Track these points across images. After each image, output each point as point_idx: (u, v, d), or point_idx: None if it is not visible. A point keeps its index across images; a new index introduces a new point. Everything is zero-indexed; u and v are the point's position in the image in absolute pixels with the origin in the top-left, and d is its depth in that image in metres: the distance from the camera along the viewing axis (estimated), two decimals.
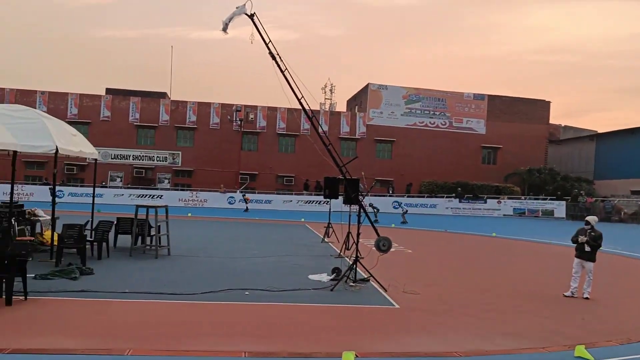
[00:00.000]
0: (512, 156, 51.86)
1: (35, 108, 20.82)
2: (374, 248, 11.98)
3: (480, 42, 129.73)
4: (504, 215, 43.20)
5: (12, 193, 12.54)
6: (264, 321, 8.31)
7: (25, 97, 45.25)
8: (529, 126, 52.65)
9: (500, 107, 52.67)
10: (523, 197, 46.58)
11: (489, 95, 52.90)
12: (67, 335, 7.05)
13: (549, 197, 45.64)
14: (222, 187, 43.53)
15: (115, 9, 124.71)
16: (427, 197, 45.81)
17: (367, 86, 51.77)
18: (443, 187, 48.10)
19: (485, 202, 44.12)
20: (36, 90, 47.64)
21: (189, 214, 31.65)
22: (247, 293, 10.03)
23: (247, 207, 38.45)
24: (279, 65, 11.44)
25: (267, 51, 11.47)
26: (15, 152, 11.60)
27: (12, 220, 12.50)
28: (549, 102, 54.16)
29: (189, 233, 20.34)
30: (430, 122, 51.53)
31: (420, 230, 27.29)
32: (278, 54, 11.49)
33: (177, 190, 44.48)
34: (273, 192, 45.81)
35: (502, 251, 20.00)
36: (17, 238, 12.70)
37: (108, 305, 8.79)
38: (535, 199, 46.10)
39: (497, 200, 44.56)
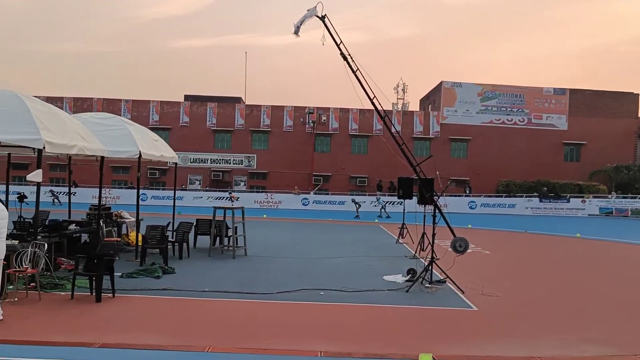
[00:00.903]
0: (597, 153, 49.10)
1: (120, 115, 21.95)
2: (450, 249, 11.71)
3: (560, 34, 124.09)
4: (589, 215, 41.02)
5: (100, 196, 13.27)
6: (338, 321, 8.32)
7: (111, 106, 47.85)
8: (615, 121, 49.71)
9: (583, 101, 50.07)
10: (610, 196, 44.03)
11: (571, 90, 50.44)
12: (151, 332, 7.37)
13: (639, 196, 42.92)
14: (296, 189, 44.10)
15: (191, 19, 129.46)
16: (505, 196, 44.30)
17: (440, 84, 50.80)
18: (521, 186, 46.34)
19: (568, 202, 42.10)
20: (121, 99, 50.28)
21: (264, 216, 32.29)
22: (321, 293, 10.08)
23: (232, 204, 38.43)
24: (350, 66, 11.44)
25: (339, 52, 11.50)
26: (102, 157, 12.26)
27: (101, 222, 13.21)
28: (637, 95, 50.91)
29: (264, 234, 20.74)
30: (507, 119, 49.83)
31: (498, 231, 26.43)
32: (349, 55, 11.49)
33: (253, 192, 45.51)
34: (346, 193, 45.88)
35: (586, 253, 18.99)
36: (105, 239, 13.42)
37: (189, 303, 9.11)
38: (624, 197, 43.46)
39: (582, 199, 42.39)
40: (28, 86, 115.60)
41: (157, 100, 50.56)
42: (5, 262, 7.91)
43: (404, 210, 18.86)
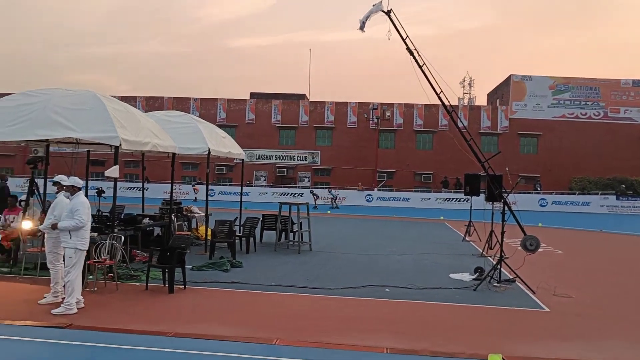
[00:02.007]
0: None
1: (190, 113, 22.65)
2: (519, 248, 11.37)
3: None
4: None
5: (172, 192, 13.78)
6: (404, 318, 8.27)
7: (181, 104, 49.47)
8: None
9: None
10: None
11: None
12: (220, 323, 7.58)
13: None
14: (360, 185, 44.03)
15: (257, 19, 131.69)
16: (579, 194, 42.43)
17: (509, 78, 49.24)
18: (596, 183, 44.20)
19: None
20: (190, 98, 51.89)
21: (329, 212, 32.46)
22: (387, 290, 10.04)
23: (195, 197, 37.88)
24: (416, 61, 11.30)
25: (405, 47, 11.38)
26: (174, 154, 12.71)
27: (172, 217, 13.70)
28: None
29: (329, 230, 20.86)
30: (581, 113, 47.66)
31: (571, 230, 25.38)
32: (415, 49, 11.36)
33: (317, 188, 45.84)
34: (411, 189, 45.39)
35: None
36: (177, 232, 13.91)
37: (256, 296, 9.30)
38: None
39: None
40: (105, 86, 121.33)
41: (224, 98, 51.81)
42: (86, 253, 8.35)
43: (470, 207, 18.46)
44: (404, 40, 11.40)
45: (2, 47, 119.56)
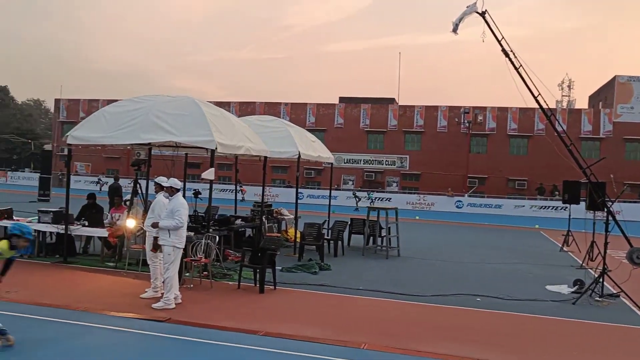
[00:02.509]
0: None
1: (280, 118, 23.19)
2: (624, 260, 10.61)
3: None
4: None
5: (263, 194, 14.16)
6: (496, 329, 7.97)
7: (271, 109, 50.78)
8: None
9: None
10: None
11: None
12: (309, 324, 7.68)
13: None
14: (449, 191, 43.02)
15: (346, 24, 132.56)
16: None
17: (613, 79, 46.21)
18: None
19: None
20: (280, 102, 53.13)
21: (417, 217, 31.96)
22: (478, 299, 9.73)
23: (243, 197, 37.27)
24: (512, 63, 10.88)
25: (500, 49, 10.99)
26: (265, 157, 13.05)
27: (263, 218, 14.07)
28: None
29: (417, 235, 20.54)
30: None
31: None
32: (512, 51, 10.94)
33: (405, 193, 45.32)
34: (503, 196, 43.72)
35: None
36: (267, 234, 14.26)
37: (344, 299, 9.34)
38: None
39: None
40: (202, 92, 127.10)
41: (314, 102, 52.57)
42: (183, 251, 8.77)
43: (569, 216, 17.50)
44: (499, 41, 11.01)
45: (111, 57, 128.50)
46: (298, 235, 14.23)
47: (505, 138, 47.86)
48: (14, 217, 12.28)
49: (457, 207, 40.70)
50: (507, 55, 10.96)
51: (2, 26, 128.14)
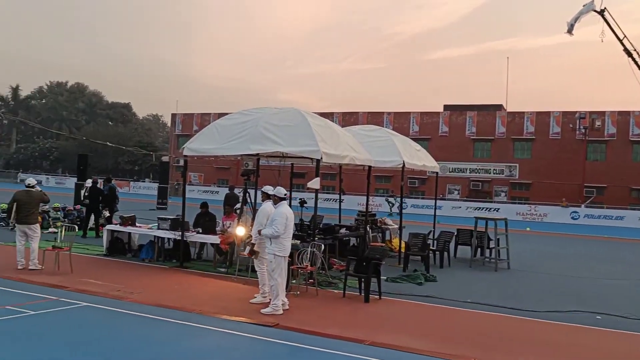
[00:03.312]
0: None
1: (383, 127, 23.13)
2: None
3: None
4: None
5: (367, 204, 14.17)
6: (618, 350, 7.37)
7: (374, 118, 50.82)
8: None
9: None
10: None
11: None
12: (414, 336, 7.54)
13: None
14: (563, 201, 40.50)
15: (450, 30, 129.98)
16: None
17: None
18: None
19: None
20: (383, 112, 53.04)
21: (528, 228, 30.41)
22: (598, 317, 9.05)
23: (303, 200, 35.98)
24: (636, 62, 10.10)
25: (622, 48, 10.26)
26: (370, 167, 13.07)
27: (367, 228, 14.06)
28: None
29: (528, 248, 19.52)
30: None
31: None
32: (635, 50, 10.16)
33: (514, 203, 43.35)
34: (625, 207, 40.43)
35: None
36: (371, 243, 14.23)
37: (452, 312, 9.09)
38: None
39: None
40: (306, 103, 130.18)
41: (417, 111, 51.94)
42: (289, 259, 8.99)
43: None
44: (620, 41, 10.30)
45: (221, 74, 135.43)
46: (403, 245, 14.08)
47: (627, 144, 44.37)
48: (137, 224, 13.25)
49: (572, 218, 38.20)
50: (630, 54, 10.22)
51: (128, 51, 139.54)
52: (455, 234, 15.52)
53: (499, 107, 51.32)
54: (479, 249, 15.00)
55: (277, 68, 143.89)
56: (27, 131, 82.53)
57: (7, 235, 14.61)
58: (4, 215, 16.89)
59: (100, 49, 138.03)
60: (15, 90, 79.63)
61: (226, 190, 18.12)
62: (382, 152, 14.15)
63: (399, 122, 51.27)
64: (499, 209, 40.22)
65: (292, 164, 15.03)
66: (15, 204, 10.74)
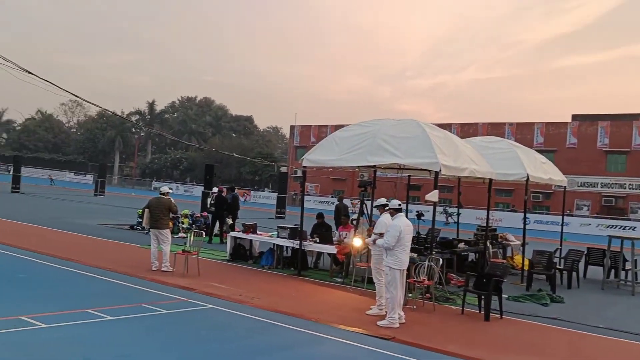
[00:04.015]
0: None
1: (504, 138, 22.17)
2: None
3: None
4: None
5: (487, 218, 13.66)
6: None
7: (495, 129, 48.82)
8: None
9: None
10: None
11: None
12: (539, 359, 7.11)
13: None
14: None
15: (579, 35, 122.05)
16: None
17: None
18: None
19: None
20: (505, 123, 50.85)
21: None
22: None
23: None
24: None
25: None
26: (490, 180, 12.58)
27: (488, 243, 13.53)
28: None
29: None
30: None
31: None
32: None
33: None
34: None
35: None
36: (492, 259, 13.66)
37: (580, 337, 8.45)
38: None
39: None
40: (424, 114, 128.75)
41: (542, 122, 49.21)
42: (406, 272, 8.87)
43: None
44: None
45: (339, 86, 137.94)
46: (526, 262, 13.35)
47: None
48: (258, 232, 13.80)
49: None
50: None
51: (251, 66, 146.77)
52: (586, 252, 14.45)
53: (636, 116, 47.15)
54: (612, 270, 13.84)
55: (396, 79, 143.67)
56: (160, 143, 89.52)
57: (144, 238, 15.88)
58: (141, 219, 18.43)
59: (225, 64, 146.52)
60: (151, 105, 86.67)
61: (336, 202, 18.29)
62: (504, 164, 13.57)
63: (522, 133, 48.85)
64: (635, 227, 36.86)
65: (409, 175, 14.88)
66: (147, 209, 11.67)
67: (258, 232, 13.79)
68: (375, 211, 10.12)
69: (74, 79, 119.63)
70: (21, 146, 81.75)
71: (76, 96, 12.65)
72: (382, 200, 9.26)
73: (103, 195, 39.36)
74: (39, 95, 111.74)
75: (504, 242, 15.59)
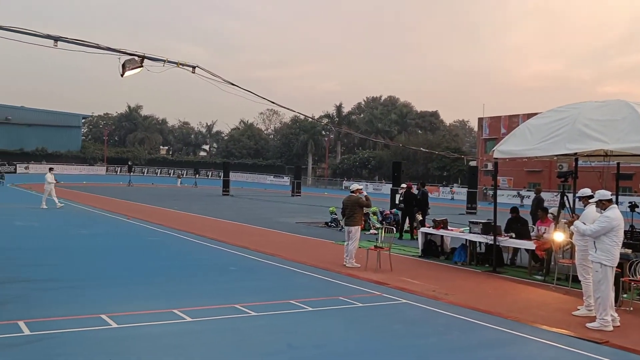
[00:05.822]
0: None
1: None
2: None
3: None
4: None
5: None
6: None
7: None
8: None
9: None
10: None
11: None
12: None
13: None
14: None
15: None
16: None
17: None
18: None
19: None
20: None
21: None
22: None
23: None
24: None
25: None
26: None
27: None
28: None
29: None
30: None
31: None
32: None
33: None
34: None
35: None
36: None
37: None
38: None
39: None
40: (634, 95, 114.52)
41: None
42: (619, 270, 7.97)
43: None
44: None
45: (530, 73, 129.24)
46: None
47: None
48: (449, 227, 13.55)
49: None
50: None
51: (435, 60, 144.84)
52: None
53: None
54: None
55: (597, 60, 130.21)
56: (349, 144, 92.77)
57: (337, 235, 16.71)
58: (335, 216, 19.37)
59: (408, 62, 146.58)
60: (339, 108, 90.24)
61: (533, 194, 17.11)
62: None
63: None
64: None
65: (618, 163, 13.34)
66: (342, 207, 12.23)
67: (449, 228, 13.55)
68: (578, 204, 9.27)
69: (269, 88, 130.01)
70: (229, 154, 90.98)
71: (272, 102, 13.64)
72: (587, 191, 8.46)
73: (299, 196, 42.09)
74: (241, 106, 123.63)
75: None
